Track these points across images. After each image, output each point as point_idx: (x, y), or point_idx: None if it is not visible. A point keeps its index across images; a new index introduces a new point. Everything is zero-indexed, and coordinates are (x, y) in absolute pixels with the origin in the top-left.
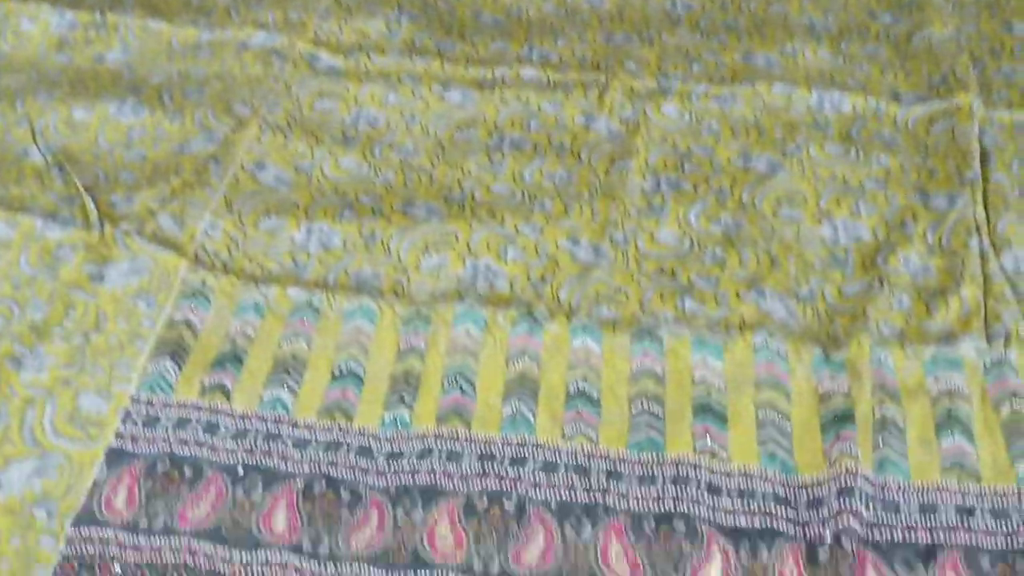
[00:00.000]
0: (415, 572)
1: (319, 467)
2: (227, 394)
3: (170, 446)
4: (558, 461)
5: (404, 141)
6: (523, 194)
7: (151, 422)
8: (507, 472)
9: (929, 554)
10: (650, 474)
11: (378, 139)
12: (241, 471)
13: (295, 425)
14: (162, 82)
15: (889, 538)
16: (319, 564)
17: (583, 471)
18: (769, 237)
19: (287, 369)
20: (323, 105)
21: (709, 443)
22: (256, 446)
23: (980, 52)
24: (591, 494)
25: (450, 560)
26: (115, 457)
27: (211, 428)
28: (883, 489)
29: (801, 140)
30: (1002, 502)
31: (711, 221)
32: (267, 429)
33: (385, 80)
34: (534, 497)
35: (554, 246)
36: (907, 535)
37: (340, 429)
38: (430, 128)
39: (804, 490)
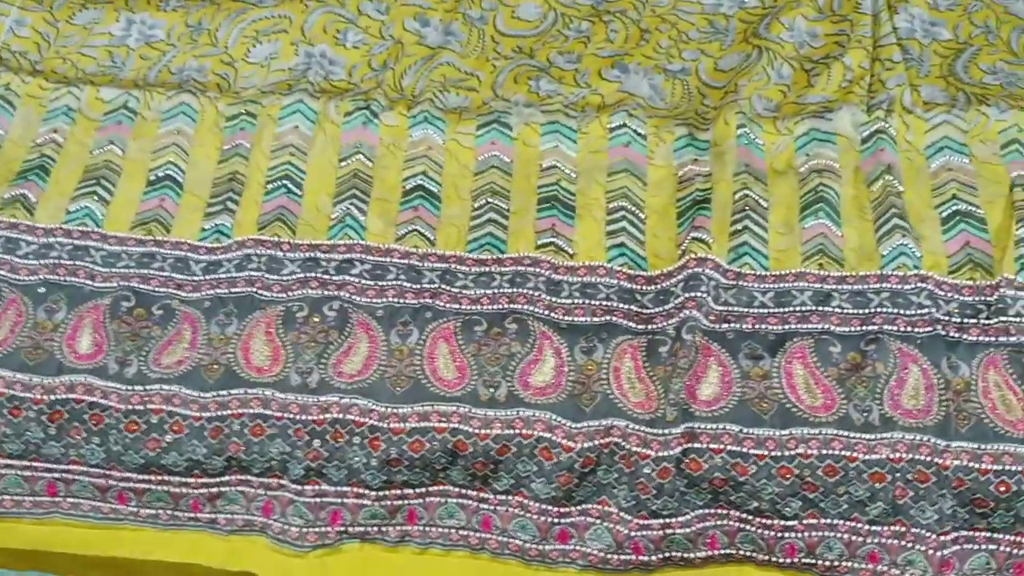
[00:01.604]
0: (228, 391)
1: (129, 282)
2: (29, 208)
3: None
4: (388, 264)
5: None
6: None
7: None
8: (331, 278)
9: (777, 344)
10: (487, 274)
11: None
12: (42, 291)
13: (105, 239)
14: None
15: (738, 328)
16: (125, 387)
17: (415, 274)
18: (642, 6)
19: (99, 178)
20: None
21: (553, 239)
22: (60, 263)
23: None
24: (421, 298)
25: (265, 374)
26: None
27: (10, 246)
28: (738, 278)
29: None
30: (863, 287)
31: None
32: (73, 244)
33: None
34: (359, 303)
35: (401, 27)
36: (757, 325)
37: (155, 241)
38: None
39: (651, 284)
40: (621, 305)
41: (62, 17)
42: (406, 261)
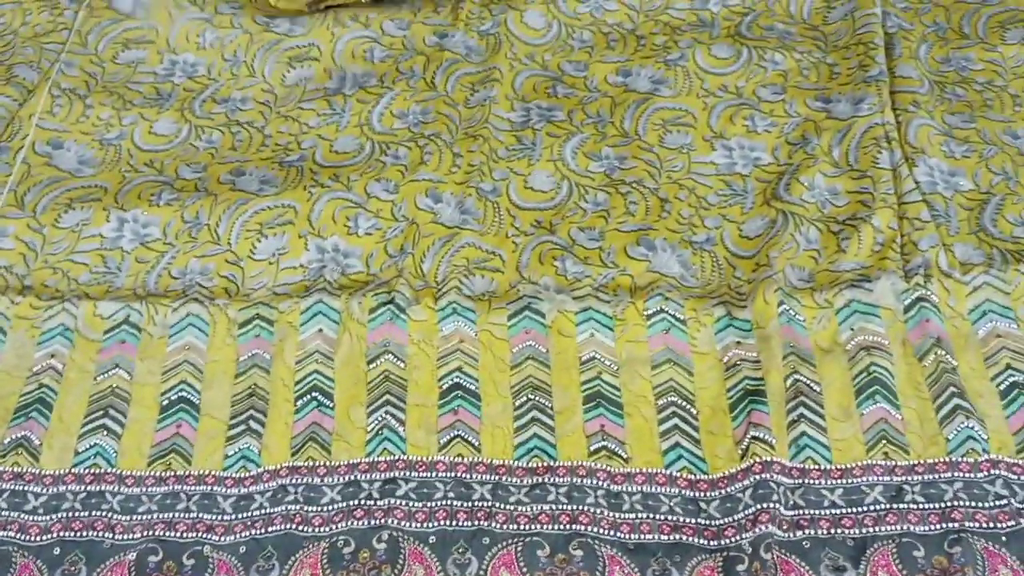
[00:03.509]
0: None
1: (153, 531)
2: (34, 452)
3: None
4: (435, 481)
5: (229, 91)
6: (372, 145)
7: None
8: (376, 504)
9: (859, 551)
10: (541, 486)
11: (198, 92)
12: (58, 551)
13: (121, 480)
14: None
15: (813, 535)
16: None
17: (465, 490)
18: (657, 172)
19: (106, 408)
20: (129, 56)
21: (605, 442)
22: (75, 516)
23: None
24: (475, 519)
25: None
26: None
27: (17, 500)
28: (803, 475)
29: (685, 45)
30: (933, 477)
31: (590, 158)
32: (87, 491)
33: (199, 12)
34: (409, 530)
35: (413, 205)
36: (833, 530)
37: (176, 477)
38: (256, 67)
39: (716, 490)
40: (688, 520)
41: (47, 222)
42: (452, 474)
